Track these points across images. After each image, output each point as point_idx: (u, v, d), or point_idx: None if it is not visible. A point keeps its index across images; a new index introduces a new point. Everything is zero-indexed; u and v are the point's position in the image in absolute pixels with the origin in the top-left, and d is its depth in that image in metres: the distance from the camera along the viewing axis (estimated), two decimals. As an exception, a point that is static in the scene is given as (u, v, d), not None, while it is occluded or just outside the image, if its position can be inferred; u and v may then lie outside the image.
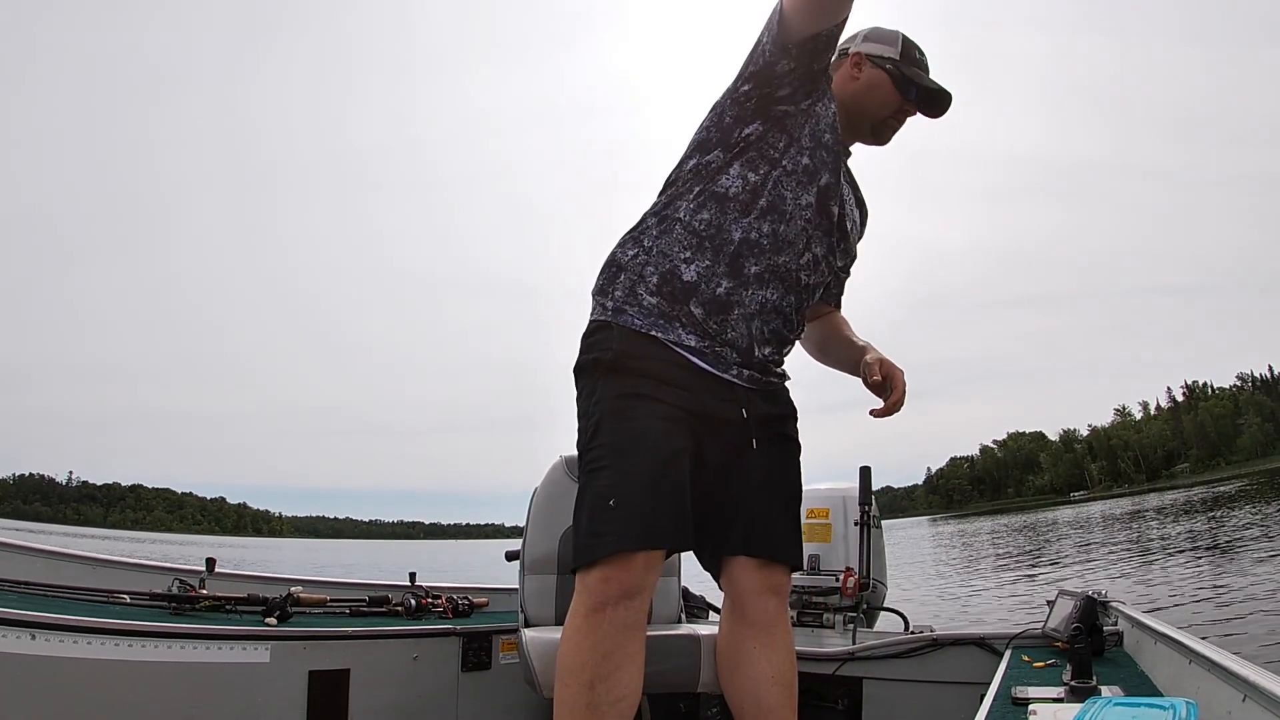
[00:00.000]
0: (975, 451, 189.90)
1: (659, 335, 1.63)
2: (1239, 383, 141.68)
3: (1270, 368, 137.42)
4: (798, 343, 1.86)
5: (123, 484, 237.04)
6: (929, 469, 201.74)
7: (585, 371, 1.68)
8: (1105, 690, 1.63)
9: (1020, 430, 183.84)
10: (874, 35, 1.84)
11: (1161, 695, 1.60)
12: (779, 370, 1.81)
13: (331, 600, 2.64)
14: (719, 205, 1.66)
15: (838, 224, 1.78)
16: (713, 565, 1.78)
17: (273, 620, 2.28)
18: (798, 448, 1.85)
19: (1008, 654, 2.17)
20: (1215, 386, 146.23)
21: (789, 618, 1.76)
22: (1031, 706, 1.52)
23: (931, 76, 1.84)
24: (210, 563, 2.56)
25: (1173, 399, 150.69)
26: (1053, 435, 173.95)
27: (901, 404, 1.77)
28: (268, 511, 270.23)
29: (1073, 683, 1.67)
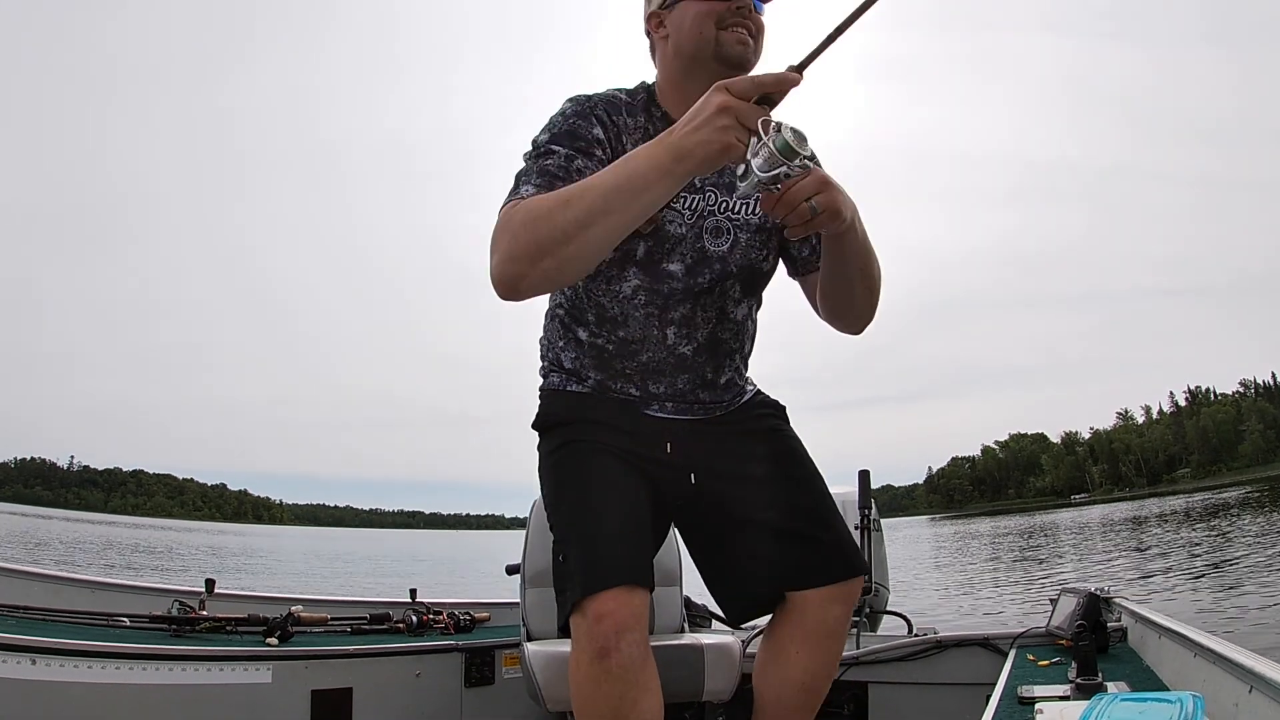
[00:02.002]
0: (977, 452, 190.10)
1: (573, 388, 1.64)
2: (1242, 389, 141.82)
3: (1274, 375, 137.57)
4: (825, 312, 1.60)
5: (124, 469, 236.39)
6: (930, 468, 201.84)
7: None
8: (1111, 686, 1.63)
9: (1022, 431, 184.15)
10: None
11: (1168, 689, 1.60)
12: (725, 395, 1.67)
13: (332, 619, 2.63)
14: (568, 313, 1.64)
15: (695, 262, 1.55)
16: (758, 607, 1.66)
17: (274, 640, 2.27)
18: (789, 449, 1.70)
19: (1012, 653, 2.17)
20: (1218, 392, 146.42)
21: (848, 625, 1.63)
22: (1038, 705, 1.52)
23: None
24: (210, 583, 2.55)
25: (1175, 404, 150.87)
26: (1054, 437, 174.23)
27: (804, 204, 1.21)
28: (268, 499, 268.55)
29: (1078, 680, 1.67)
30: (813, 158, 1.18)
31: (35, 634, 1.85)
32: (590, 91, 1.56)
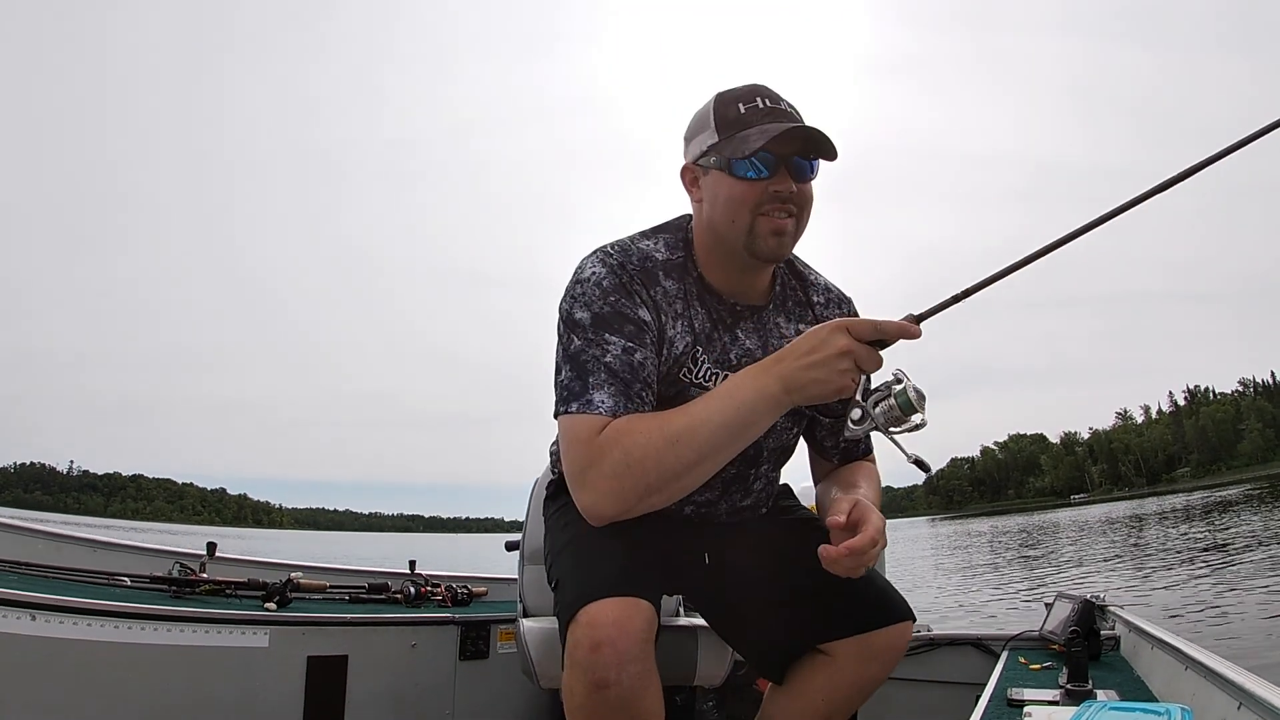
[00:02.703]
0: (976, 452, 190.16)
1: None
2: (1241, 388, 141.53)
3: (1272, 374, 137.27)
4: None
5: (123, 474, 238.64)
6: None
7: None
8: (1101, 694, 1.64)
9: (1021, 432, 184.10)
10: (690, 130, 1.43)
11: (1157, 700, 1.60)
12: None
13: (331, 587, 2.65)
14: None
15: None
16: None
17: (272, 605, 2.29)
18: (808, 520, 1.63)
19: (1004, 655, 2.18)
20: (1217, 392, 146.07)
21: (881, 683, 1.50)
22: (1027, 708, 1.52)
23: (788, 111, 1.36)
24: (211, 547, 2.57)
25: (1174, 403, 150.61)
26: (1054, 437, 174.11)
27: (864, 555, 1.25)
28: (268, 503, 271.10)
29: (1068, 685, 1.67)
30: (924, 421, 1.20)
31: (36, 590, 1.87)
32: (618, 239, 1.44)
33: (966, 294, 1.18)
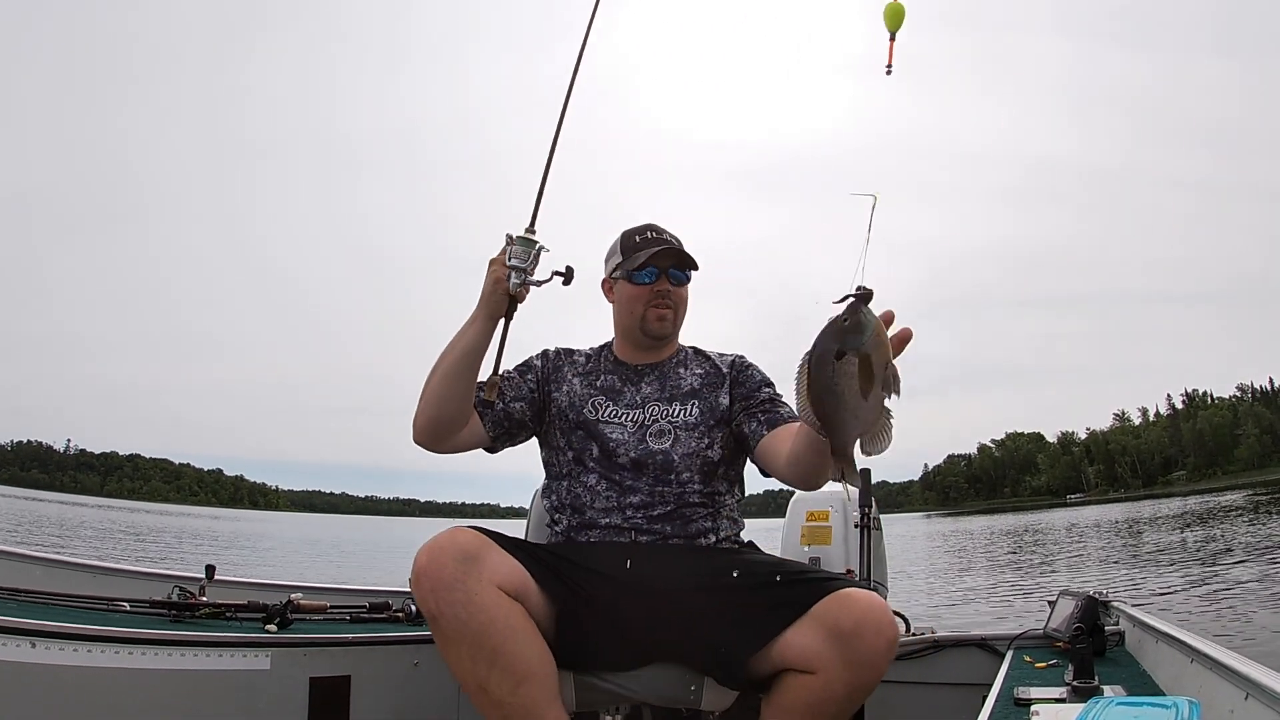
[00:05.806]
0: (973, 450, 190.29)
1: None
2: (1239, 393, 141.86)
3: (1270, 380, 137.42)
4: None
5: (120, 453, 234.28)
6: (926, 465, 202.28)
7: None
8: (1107, 690, 1.64)
9: (1019, 430, 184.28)
10: (607, 256, 1.99)
11: (1164, 694, 1.60)
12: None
13: (332, 606, 2.62)
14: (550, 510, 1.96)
15: (641, 457, 1.83)
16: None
17: (273, 627, 2.27)
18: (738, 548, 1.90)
19: (1009, 655, 2.18)
20: (1215, 396, 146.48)
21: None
22: (1034, 707, 1.53)
23: (668, 239, 1.92)
24: (210, 570, 2.55)
25: (1172, 406, 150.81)
26: (1051, 437, 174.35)
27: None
28: (265, 485, 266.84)
29: (1075, 683, 1.68)
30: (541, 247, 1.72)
31: (35, 617, 1.85)
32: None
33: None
